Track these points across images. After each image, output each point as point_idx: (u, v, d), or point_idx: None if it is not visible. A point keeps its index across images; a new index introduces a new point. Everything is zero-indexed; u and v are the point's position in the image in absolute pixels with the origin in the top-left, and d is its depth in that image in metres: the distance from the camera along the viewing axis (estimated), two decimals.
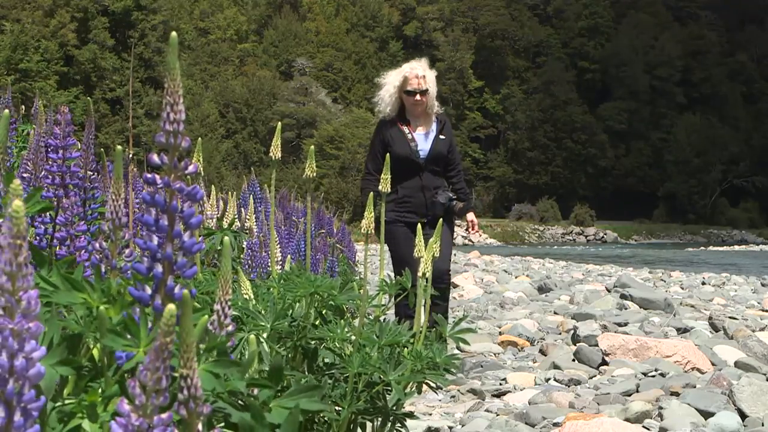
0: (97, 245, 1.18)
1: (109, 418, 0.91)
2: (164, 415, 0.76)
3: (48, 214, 1.59)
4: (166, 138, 0.92)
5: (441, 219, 5.26)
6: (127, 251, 1.20)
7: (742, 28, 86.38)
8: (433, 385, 2.38)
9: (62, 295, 1.01)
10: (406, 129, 5.75)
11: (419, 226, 4.89)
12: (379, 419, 2.31)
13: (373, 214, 2.49)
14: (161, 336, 0.75)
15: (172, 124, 0.92)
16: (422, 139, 5.74)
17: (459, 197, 5.79)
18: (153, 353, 0.75)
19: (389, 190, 2.88)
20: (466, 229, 5.85)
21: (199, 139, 3.21)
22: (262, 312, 2.20)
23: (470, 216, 5.91)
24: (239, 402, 0.97)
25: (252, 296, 2.30)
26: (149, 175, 0.92)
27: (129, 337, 0.93)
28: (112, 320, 0.98)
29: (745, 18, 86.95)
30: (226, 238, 1.08)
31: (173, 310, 0.75)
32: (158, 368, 0.75)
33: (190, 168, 0.92)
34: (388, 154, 5.23)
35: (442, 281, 5.40)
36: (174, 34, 0.95)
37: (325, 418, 2.25)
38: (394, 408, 2.29)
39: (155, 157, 0.93)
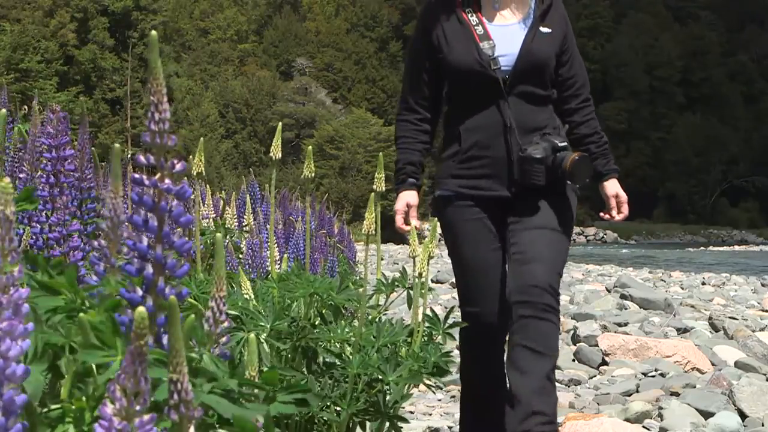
0: (96, 243, 1.17)
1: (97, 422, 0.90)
2: (146, 417, 0.76)
3: (44, 213, 1.58)
4: (152, 138, 0.92)
5: (542, 192, 2.97)
6: (125, 249, 1.19)
7: (742, 28, 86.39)
8: (431, 384, 2.37)
9: (44, 299, 1.01)
10: (472, 17, 3.05)
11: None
12: (378, 419, 2.31)
13: (374, 214, 2.45)
14: (135, 339, 0.76)
15: (158, 124, 0.92)
16: (505, 35, 3.03)
17: (589, 149, 3.12)
18: (128, 357, 0.76)
19: (383, 189, 2.58)
20: (606, 212, 3.16)
21: (201, 138, 3.20)
22: (262, 312, 2.20)
23: (612, 187, 3.15)
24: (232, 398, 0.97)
25: (252, 296, 2.30)
26: (137, 175, 0.92)
27: (104, 347, 0.93)
28: (94, 326, 0.98)
29: (745, 18, 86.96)
30: (218, 235, 1.08)
31: (143, 313, 0.75)
32: (136, 371, 0.76)
33: (178, 167, 0.92)
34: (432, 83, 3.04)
35: (532, 302, 2.84)
36: (154, 33, 0.95)
37: (325, 418, 2.25)
38: (392, 408, 2.29)
39: (141, 157, 0.93)
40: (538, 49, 3.02)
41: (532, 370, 2.83)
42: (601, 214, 3.17)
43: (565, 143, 2.99)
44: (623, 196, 3.14)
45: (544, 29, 3.05)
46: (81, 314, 1.01)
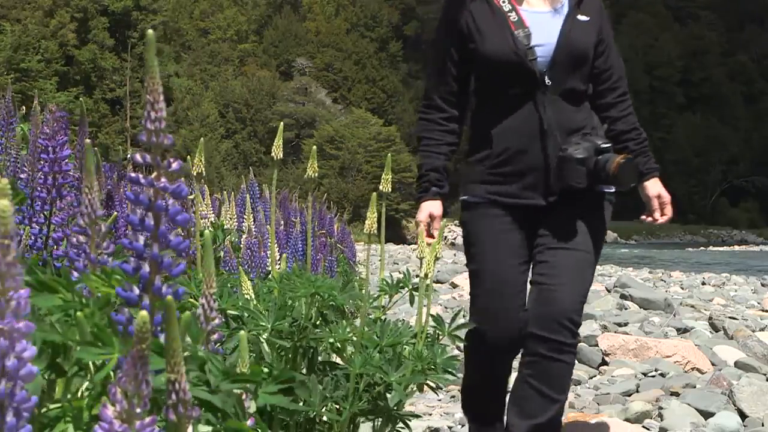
0: (74, 240, 1.17)
1: (95, 422, 0.91)
2: (147, 420, 0.76)
3: (42, 214, 1.59)
4: (148, 137, 0.93)
5: (578, 202, 2.75)
6: (104, 244, 1.19)
7: (742, 28, 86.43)
8: (433, 385, 2.37)
9: (41, 298, 1.01)
10: (505, 2, 2.78)
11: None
12: (380, 420, 2.31)
13: (375, 214, 2.42)
14: (136, 343, 0.76)
15: (154, 123, 0.93)
16: (540, 23, 2.76)
17: (627, 147, 2.84)
18: (130, 360, 0.76)
19: (389, 189, 2.47)
20: (648, 215, 2.86)
21: (202, 138, 3.20)
22: (263, 312, 2.20)
23: (653, 187, 2.85)
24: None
25: (253, 296, 2.30)
26: (133, 174, 0.92)
27: (101, 345, 0.93)
28: (91, 323, 0.98)
29: (745, 18, 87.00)
30: (206, 232, 1.09)
31: (145, 317, 0.75)
32: (137, 375, 0.76)
33: (174, 165, 0.93)
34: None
35: (550, 340, 2.67)
36: (150, 32, 0.95)
37: (326, 418, 2.25)
38: (395, 408, 2.29)
39: (138, 157, 0.93)
40: (577, 38, 2.75)
41: (535, 416, 2.70)
42: (643, 216, 2.88)
43: (609, 144, 2.74)
44: (666, 197, 2.85)
45: (581, 17, 2.78)
46: (78, 313, 1.01)
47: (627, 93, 2.94)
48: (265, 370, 1.24)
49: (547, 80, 2.71)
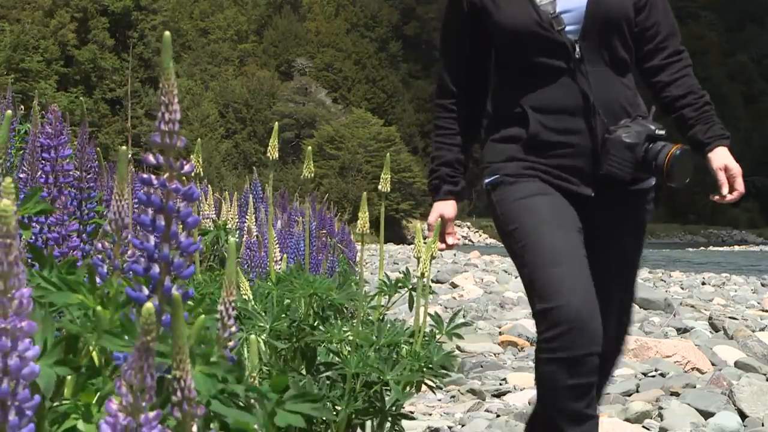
0: (99, 246, 1.17)
1: (104, 418, 0.91)
2: (151, 414, 0.76)
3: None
4: (162, 138, 0.93)
5: (625, 197, 2.36)
6: (129, 252, 1.19)
7: (742, 28, 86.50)
8: (432, 384, 2.37)
9: (59, 295, 1.01)
10: None
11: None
12: (377, 419, 2.31)
13: (367, 213, 2.41)
14: (142, 335, 0.76)
15: (167, 124, 0.92)
16: None
17: (682, 115, 2.46)
18: (136, 353, 0.76)
19: (389, 189, 2.47)
20: (715, 192, 2.36)
21: (199, 139, 3.21)
22: (261, 312, 2.20)
23: (718, 158, 2.39)
24: (239, 403, 0.98)
25: (251, 296, 2.31)
26: (145, 176, 0.92)
27: (125, 337, 0.94)
28: (109, 321, 0.98)
29: (745, 18, 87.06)
30: (232, 239, 1.09)
31: (150, 309, 0.75)
32: (142, 367, 0.76)
33: (186, 168, 0.93)
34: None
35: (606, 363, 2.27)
36: (167, 33, 0.95)
37: (323, 418, 2.25)
38: (393, 408, 2.29)
39: (151, 157, 0.93)
40: (612, 3, 2.35)
41: None
42: (711, 196, 2.41)
43: (663, 131, 2.34)
44: (734, 168, 2.35)
45: None
46: (98, 308, 1.01)
47: (680, 52, 2.46)
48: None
49: (579, 51, 2.31)
